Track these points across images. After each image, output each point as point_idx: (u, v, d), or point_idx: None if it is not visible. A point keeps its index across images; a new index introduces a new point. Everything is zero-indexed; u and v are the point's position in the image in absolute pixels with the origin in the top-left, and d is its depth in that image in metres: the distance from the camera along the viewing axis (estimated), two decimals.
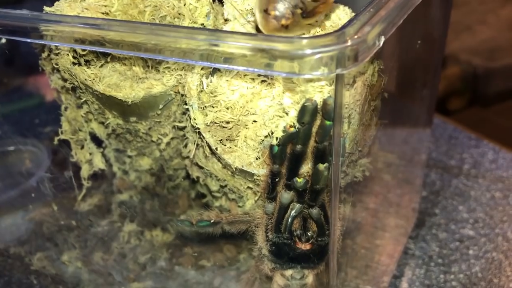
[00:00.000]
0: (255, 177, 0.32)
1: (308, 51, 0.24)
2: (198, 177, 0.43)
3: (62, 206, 0.52)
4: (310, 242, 0.32)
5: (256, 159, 0.30)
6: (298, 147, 0.29)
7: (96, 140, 0.46)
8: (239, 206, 0.42)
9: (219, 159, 0.32)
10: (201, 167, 0.39)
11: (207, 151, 0.33)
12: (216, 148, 0.31)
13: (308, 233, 0.32)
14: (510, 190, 0.68)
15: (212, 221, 0.35)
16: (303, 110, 0.28)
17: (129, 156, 0.48)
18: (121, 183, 0.52)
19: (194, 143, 0.39)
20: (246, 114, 0.32)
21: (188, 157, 0.41)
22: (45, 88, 0.66)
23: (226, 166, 0.33)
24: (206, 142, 0.32)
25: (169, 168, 0.47)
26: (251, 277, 0.38)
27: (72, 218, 0.53)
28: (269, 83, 0.31)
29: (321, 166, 0.28)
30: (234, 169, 0.32)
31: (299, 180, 0.30)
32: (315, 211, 0.31)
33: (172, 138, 0.41)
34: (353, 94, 0.29)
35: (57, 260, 0.50)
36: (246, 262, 0.50)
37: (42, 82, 0.66)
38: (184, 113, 0.39)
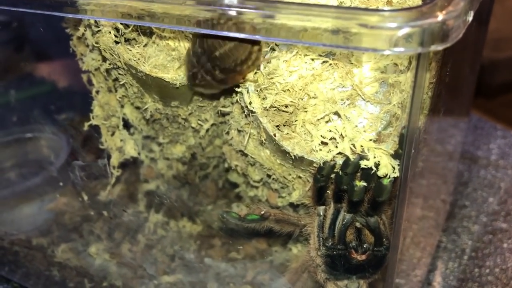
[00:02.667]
0: (314, 165, 0.30)
1: (393, 25, 0.22)
2: (236, 166, 0.41)
3: (84, 197, 0.49)
4: (366, 253, 0.31)
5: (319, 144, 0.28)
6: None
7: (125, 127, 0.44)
8: (281, 197, 0.40)
9: (276, 145, 0.30)
10: (244, 155, 0.37)
11: (263, 137, 0.31)
12: (274, 134, 0.29)
13: (365, 245, 0.31)
14: None
15: (262, 213, 0.33)
16: (347, 162, 0.27)
17: (160, 144, 0.45)
18: (148, 172, 0.50)
19: (237, 130, 0.36)
20: (305, 98, 0.29)
21: (229, 144, 0.39)
22: (57, 75, 0.63)
23: (282, 153, 0.30)
24: (262, 128, 0.30)
25: (203, 156, 0.45)
26: (300, 269, 0.36)
27: (95, 208, 0.50)
28: (330, 64, 0.29)
29: (386, 181, 0.27)
30: (293, 157, 0.30)
31: (358, 184, 0.28)
32: (373, 219, 0.30)
33: (212, 125, 0.38)
34: (429, 77, 0.27)
35: (83, 252, 0.47)
36: (279, 255, 0.48)
37: (54, 68, 0.64)
38: (226, 98, 0.36)
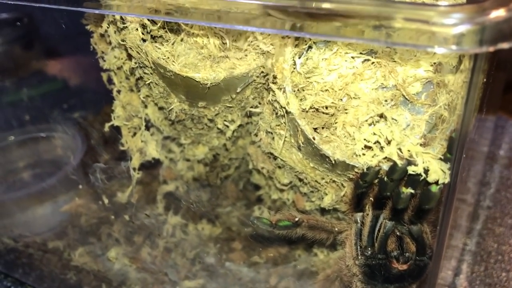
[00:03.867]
0: (356, 170, 0.28)
1: (454, 21, 0.20)
2: (262, 168, 0.39)
3: (103, 199, 0.48)
4: (408, 262, 0.29)
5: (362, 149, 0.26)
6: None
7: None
8: (310, 201, 0.38)
9: (315, 149, 0.28)
10: (274, 157, 0.35)
11: (301, 140, 0.29)
12: (314, 138, 0.27)
13: (407, 254, 0.29)
14: None
15: (296, 220, 0.31)
16: (393, 167, 0.25)
17: (180, 144, 0.44)
18: (168, 173, 0.48)
19: (266, 131, 0.35)
20: (345, 98, 0.28)
21: (257, 146, 0.37)
22: (67, 72, 0.62)
23: (321, 157, 0.29)
24: (300, 130, 0.28)
25: (226, 158, 0.43)
26: (331, 277, 0.34)
27: (113, 210, 0.49)
28: (373, 62, 0.27)
29: (434, 188, 0.25)
30: (333, 162, 0.28)
31: (405, 191, 0.26)
32: (416, 228, 0.28)
33: (239, 126, 0.37)
34: (482, 78, 0.25)
35: (101, 255, 0.46)
36: (303, 259, 0.47)
37: (64, 65, 0.62)
38: (254, 98, 0.35)
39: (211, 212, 0.50)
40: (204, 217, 0.50)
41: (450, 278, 0.53)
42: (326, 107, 0.27)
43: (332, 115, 0.28)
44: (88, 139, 0.52)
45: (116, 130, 0.42)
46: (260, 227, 0.33)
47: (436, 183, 0.25)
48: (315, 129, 0.28)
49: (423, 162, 0.25)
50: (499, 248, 0.56)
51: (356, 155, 0.27)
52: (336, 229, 0.33)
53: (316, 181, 0.34)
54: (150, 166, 0.47)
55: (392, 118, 0.26)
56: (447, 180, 0.25)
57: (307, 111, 0.28)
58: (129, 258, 0.45)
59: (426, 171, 0.25)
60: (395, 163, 0.25)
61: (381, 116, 0.27)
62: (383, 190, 0.27)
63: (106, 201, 0.44)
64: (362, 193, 0.29)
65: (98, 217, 0.50)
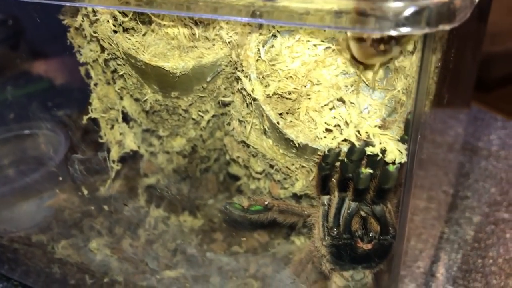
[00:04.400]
0: (319, 153, 0.29)
1: (399, 4, 0.21)
2: (238, 158, 0.40)
3: (84, 192, 0.49)
4: (372, 242, 0.30)
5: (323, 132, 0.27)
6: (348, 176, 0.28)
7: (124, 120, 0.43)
8: (284, 188, 0.39)
9: (280, 134, 0.29)
10: (246, 146, 0.36)
11: (266, 125, 0.30)
12: (278, 122, 0.29)
13: (370, 234, 0.30)
14: None
15: (266, 204, 0.32)
16: (352, 149, 0.26)
17: (160, 137, 0.45)
18: (148, 166, 0.49)
19: (238, 120, 0.36)
20: (308, 85, 0.29)
21: (230, 135, 0.38)
22: (54, 72, 0.63)
23: (286, 141, 0.30)
24: (265, 116, 0.29)
25: (204, 149, 0.44)
26: (304, 260, 0.36)
27: (95, 204, 0.50)
28: (334, 50, 0.29)
29: (392, 167, 0.26)
30: (297, 145, 0.29)
31: (364, 171, 0.27)
32: (378, 208, 0.29)
33: (212, 116, 0.38)
34: (434, 61, 0.26)
35: (84, 247, 0.47)
36: (282, 247, 0.48)
37: (50, 66, 0.63)
38: (226, 88, 0.36)
39: (193, 204, 0.51)
40: (186, 210, 0.51)
41: (428, 265, 0.54)
42: (289, 93, 0.29)
43: (295, 101, 0.29)
44: (72, 136, 0.53)
45: (96, 123, 0.43)
46: (233, 213, 0.34)
47: (393, 163, 0.26)
48: (280, 114, 0.29)
49: (380, 143, 0.26)
50: (476, 235, 0.58)
51: (318, 138, 0.28)
52: (306, 212, 0.34)
53: (287, 167, 0.35)
54: (132, 160, 0.49)
55: (351, 102, 0.27)
56: (403, 160, 0.26)
57: (271, 97, 0.29)
58: (111, 249, 0.46)
59: (384, 151, 0.26)
60: (353, 145, 0.27)
61: (341, 100, 0.28)
62: (344, 171, 0.28)
63: (85, 192, 0.45)
64: (326, 176, 0.30)
65: (81, 211, 0.50)
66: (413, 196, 0.44)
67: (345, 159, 0.27)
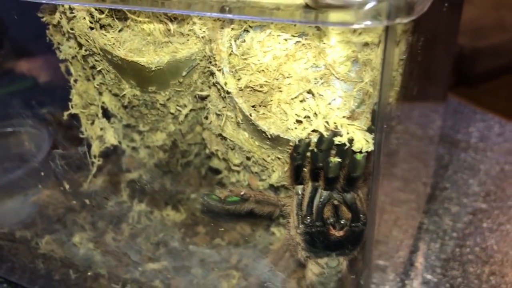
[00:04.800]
0: (290, 143, 0.30)
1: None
2: (217, 151, 0.41)
3: (67, 187, 0.49)
4: (344, 229, 0.31)
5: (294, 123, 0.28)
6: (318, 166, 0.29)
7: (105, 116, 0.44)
8: (262, 180, 0.40)
9: (253, 126, 0.30)
10: (224, 139, 0.37)
11: (240, 117, 0.31)
12: (250, 114, 0.30)
13: (342, 221, 0.31)
14: None
15: (242, 194, 0.33)
16: (321, 139, 0.27)
17: (140, 132, 0.46)
18: (130, 161, 0.50)
19: (215, 114, 0.37)
20: (279, 78, 0.30)
21: (208, 129, 0.39)
22: (38, 71, 0.63)
23: (259, 133, 0.31)
24: (238, 108, 0.30)
25: (184, 143, 0.45)
26: (281, 249, 0.37)
27: (78, 199, 0.50)
28: (303, 44, 0.30)
29: (359, 156, 0.27)
30: (269, 136, 0.30)
31: (333, 160, 0.28)
32: (349, 196, 0.30)
33: (190, 110, 0.39)
34: (398, 53, 0.27)
35: (67, 242, 0.47)
36: (263, 239, 0.49)
37: (34, 64, 0.63)
38: (203, 83, 0.37)
39: (175, 199, 0.52)
40: (169, 204, 0.52)
41: (407, 255, 0.56)
42: (261, 86, 0.29)
43: (267, 93, 0.30)
44: (55, 133, 0.53)
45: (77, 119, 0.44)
46: (211, 204, 0.35)
47: (361, 151, 0.27)
48: (253, 107, 0.30)
49: (348, 133, 0.27)
50: (454, 225, 0.59)
51: (289, 129, 0.29)
52: (282, 202, 0.35)
53: (263, 159, 0.36)
54: (115, 155, 0.49)
55: (320, 94, 0.28)
56: (370, 148, 0.27)
57: (243, 90, 0.30)
58: (94, 243, 0.46)
59: (351, 141, 0.27)
60: (322, 135, 0.28)
61: (311, 92, 0.29)
62: (315, 161, 0.29)
63: (67, 187, 0.45)
64: (299, 166, 0.31)
65: (65, 206, 0.51)
66: (394, 189, 0.45)
67: (315, 149, 0.28)
